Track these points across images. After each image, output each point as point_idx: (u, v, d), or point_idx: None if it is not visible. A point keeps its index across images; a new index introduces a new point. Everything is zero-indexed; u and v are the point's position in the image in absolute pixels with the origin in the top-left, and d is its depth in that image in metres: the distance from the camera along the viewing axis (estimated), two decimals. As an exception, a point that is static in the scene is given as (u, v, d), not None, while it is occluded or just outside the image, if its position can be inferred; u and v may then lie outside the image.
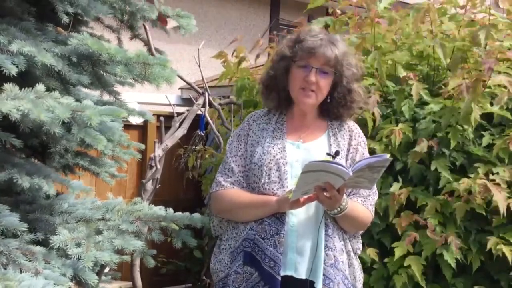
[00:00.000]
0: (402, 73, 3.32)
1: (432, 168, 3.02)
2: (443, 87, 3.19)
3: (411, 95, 3.17)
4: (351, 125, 2.36)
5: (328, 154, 2.17)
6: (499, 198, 2.80)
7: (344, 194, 2.16)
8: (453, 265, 2.89)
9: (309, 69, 2.21)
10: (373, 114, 3.10)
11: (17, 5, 2.42)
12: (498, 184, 2.86)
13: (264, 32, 4.32)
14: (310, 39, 2.22)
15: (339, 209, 2.16)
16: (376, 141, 3.16)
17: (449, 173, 3.00)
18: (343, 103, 2.29)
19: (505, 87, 3.04)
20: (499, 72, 3.15)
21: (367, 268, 3.04)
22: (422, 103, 3.22)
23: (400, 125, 3.12)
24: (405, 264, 2.94)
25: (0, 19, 2.28)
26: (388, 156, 2.07)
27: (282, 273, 2.15)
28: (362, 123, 3.03)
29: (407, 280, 2.95)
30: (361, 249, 2.35)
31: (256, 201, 2.21)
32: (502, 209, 2.79)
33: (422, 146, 3.01)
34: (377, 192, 2.35)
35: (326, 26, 3.68)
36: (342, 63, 2.24)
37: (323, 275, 2.15)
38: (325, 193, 2.09)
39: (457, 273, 2.99)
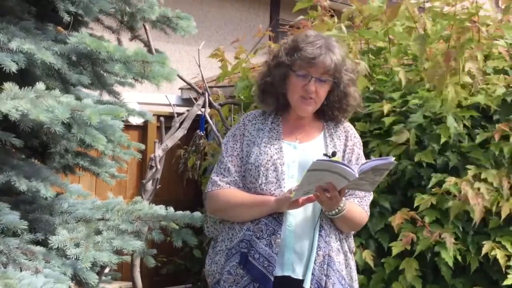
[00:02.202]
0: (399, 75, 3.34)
1: (416, 159, 3.02)
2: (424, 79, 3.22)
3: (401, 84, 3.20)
4: (347, 126, 2.36)
5: (325, 155, 2.18)
6: (476, 209, 2.83)
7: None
8: (450, 263, 2.89)
9: (308, 79, 2.21)
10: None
11: (17, 4, 2.43)
12: (481, 194, 2.87)
13: (264, 33, 4.31)
14: (309, 48, 2.20)
15: (337, 210, 2.16)
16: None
17: (433, 169, 3.01)
18: (338, 106, 2.30)
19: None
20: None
21: (363, 271, 3.05)
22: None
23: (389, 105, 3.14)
24: (400, 268, 2.96)
25: (0, 18, 2.29)
26: (393, 159, 2.07)
27: (280, 274, 2.15)
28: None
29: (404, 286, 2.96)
30: (354, 247, 2.36)
31: (253, 201, 2.20)
32: (476, 219, 2.84)
33: (401, 137, 3.02)
34: (372, 193, 2.35)
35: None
36: (340, 69, 2.24)
37: (312, 274, 2.14)
38: (326, 194, 2.10)
39: (456, 274, 3.00)
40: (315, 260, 2.15)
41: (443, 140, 2.98)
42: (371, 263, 3.01)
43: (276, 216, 2.18)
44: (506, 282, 2.83)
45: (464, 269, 3.01)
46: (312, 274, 2.14)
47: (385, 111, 3.10)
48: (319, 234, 2.18)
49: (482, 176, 2.94)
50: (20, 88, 1.97)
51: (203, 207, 4.09)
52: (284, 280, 2.16)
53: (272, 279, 2.12)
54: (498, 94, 3.08)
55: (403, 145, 3.09)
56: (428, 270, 3.04)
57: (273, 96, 2.32)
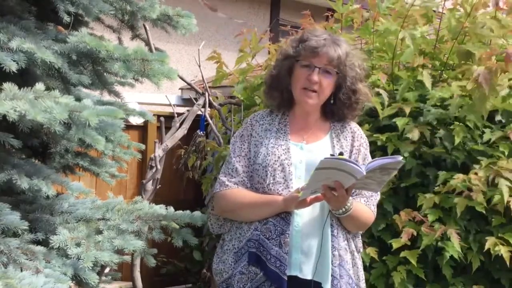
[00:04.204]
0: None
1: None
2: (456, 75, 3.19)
3: (417, 84, 3.17)
4: (353, 126, 2.37)
5: (332, 155, 2.17)
6: (504, 187, 2.81)
7: None
8: (456, 255, 2.88)
9: (312, 69, 2.22)
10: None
11: (17, 4, 2.43)
12: (502, 176, 2.86)
13: (264, 33, 4.31)
14: (314, 38, 2.23)
15: (344, 209, 2.17)
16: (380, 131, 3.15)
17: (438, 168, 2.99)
18: (348, 104, 2.30)
19: None
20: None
21: (366, 267, 3.04)
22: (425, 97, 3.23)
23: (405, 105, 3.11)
24: (401, 256, 2.95)
25: (0, 18, 2.29)
26: (401, 158, 2.06)
27: (288, 273, 2.15)
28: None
29: (405, 276, 2.96)
30: (362, 247, 2.36)
31: (261, 201, 2.21)
32: (506, 199, 2.80)
33: (413, 135, 3.01)
34: (379, 193, 2.35)
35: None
36: (345, 63, 2.25)
37: (332, 275, 2.15)
38: (333, 192, 2.09)
39: (457, 273, 2.99)
40: (332, 261, 2.16)
41: (457, 140, 2.98)
42: (376, 257, 3.02)
43: (284, 216, 2.19)
44: None
45: (465, 268, 3.01)
46: (332, 276, 2.14)
47: (407, 113, 3.08)
48: (331, 234, 2.19)
49: (499, 164, 2.93)
50: (20, 88, 1.96)
51: (203, 207, 4.10)
52: (294, 279, 2.16)
53: (286, 278, 2.13)
54: (503, 95, 3.07)
55: (412, 144, 3.08)
56: (429, 269, 3.04)
57: (277, 90, 2.33)
